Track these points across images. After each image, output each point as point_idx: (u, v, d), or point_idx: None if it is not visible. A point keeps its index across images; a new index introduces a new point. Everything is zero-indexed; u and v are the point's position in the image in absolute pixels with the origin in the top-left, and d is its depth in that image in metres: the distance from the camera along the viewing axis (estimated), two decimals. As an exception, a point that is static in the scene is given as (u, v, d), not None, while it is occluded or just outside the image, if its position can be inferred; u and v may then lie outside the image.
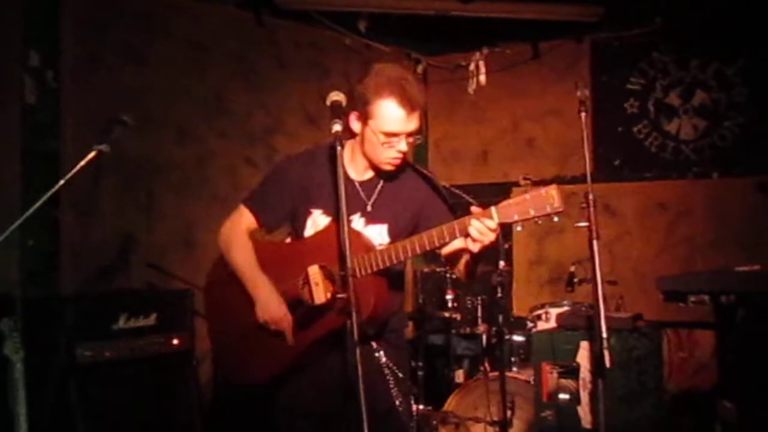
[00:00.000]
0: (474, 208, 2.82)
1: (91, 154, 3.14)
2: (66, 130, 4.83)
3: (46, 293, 4.65)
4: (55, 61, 4.81)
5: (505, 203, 2.77)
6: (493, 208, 2.78)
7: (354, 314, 2.65)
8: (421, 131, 3.07)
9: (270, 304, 3.14)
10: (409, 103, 2.96)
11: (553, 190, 2.72)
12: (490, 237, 2.78)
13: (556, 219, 2.74)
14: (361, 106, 3.01)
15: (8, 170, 4.58)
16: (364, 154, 3.14)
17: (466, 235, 2.82)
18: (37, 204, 3.06)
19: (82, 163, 3.13)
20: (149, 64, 5.41)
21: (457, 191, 3.12)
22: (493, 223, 2.76)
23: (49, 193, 3.10)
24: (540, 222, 2.75)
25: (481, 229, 2.77)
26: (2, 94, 4.62)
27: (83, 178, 3.16)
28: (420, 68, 7.47)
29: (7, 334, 3.14)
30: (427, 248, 2.91)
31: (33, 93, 4.67)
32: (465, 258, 3.10)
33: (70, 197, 4.71)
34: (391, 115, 2.97)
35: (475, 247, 2.82)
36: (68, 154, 4.72)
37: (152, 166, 5.40)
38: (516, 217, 2.75)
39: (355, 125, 3.07)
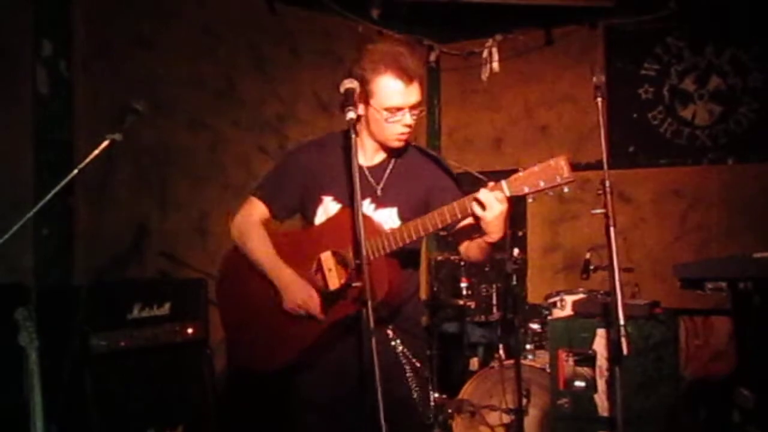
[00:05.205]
0: (490, 185, 2.82)
1: (104, 143, 3.13)
2: (79, 120, 4.82)
3: (61, 282, 4.65)
4: (68, 51, 4.80)
5: (514, 176, 2.78)
6: (503, 182, 2.78)
7: (369, 303, 2.63)
8: (423, 104, 3.09)
9: (296, 288, 3.12)
10: (406, 74, 2.98)
11: (562, 161, 2.72)
12: (500, 207, 2.77)
13: (566, 190, 2.73)
14: (360, 87, 3.00)
15: (22, 160, 4.57)
16: (372, 136, 3.15)
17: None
18: (51, 193, 3.06)
19: (96, 152, 3.13)
20: (161, 52, 5.39)
21: (472, 171, 3.11)
22: (501, 195, 2.77)
23: (63, 182, 3.10)
24: (551, 194, 2.75)
25: (489, 198, 2.76)
26: (15, 85, 4.61)
27: (96, 167, 3.15)
28: (433, 55, 7.44)
29: (21, 324, 3.14)
30: (440, 226, 2.90)
31: (45, 83, 4.66)
32: (477, 240, 3.05)
33: (83, 186, 4.71)
34: (391, 89, 2.99)
35: (485, 217, 2.80)
36: (81, 143, 4.71)
37: (165, 155, 5.39)
38: (526, 190, 2.76)
39: (359, 108, 3.06)
